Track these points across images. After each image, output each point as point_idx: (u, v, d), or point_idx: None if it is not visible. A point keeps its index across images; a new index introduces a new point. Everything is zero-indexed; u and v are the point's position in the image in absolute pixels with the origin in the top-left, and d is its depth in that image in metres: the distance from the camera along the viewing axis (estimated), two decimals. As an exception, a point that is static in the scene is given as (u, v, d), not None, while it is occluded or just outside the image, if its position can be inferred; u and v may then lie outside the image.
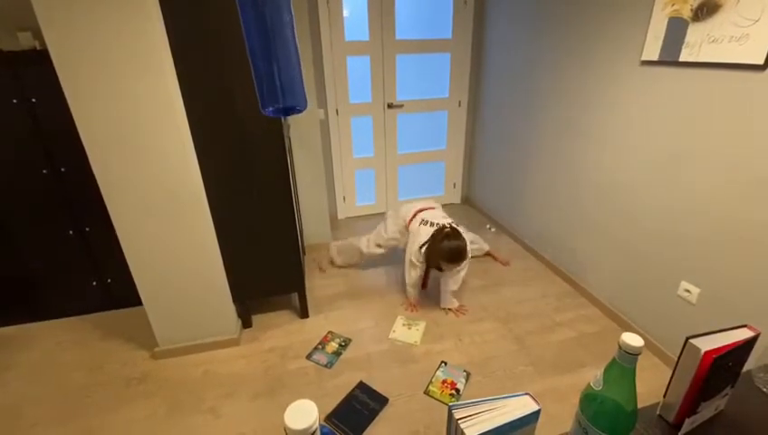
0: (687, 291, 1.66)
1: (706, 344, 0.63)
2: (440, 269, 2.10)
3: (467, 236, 2.19)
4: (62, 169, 1.91)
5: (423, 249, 2.04)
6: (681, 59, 1.53)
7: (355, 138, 3.17)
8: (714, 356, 0.61)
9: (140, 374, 1.83)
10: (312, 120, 2.53)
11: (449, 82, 3.22)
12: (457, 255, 1.96)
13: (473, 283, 2.47)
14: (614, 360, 0.57)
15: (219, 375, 1.82)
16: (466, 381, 1.74)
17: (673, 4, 1.52)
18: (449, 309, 2.22)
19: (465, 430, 0.54)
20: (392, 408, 1.63)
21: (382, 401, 1.64)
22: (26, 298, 2.13)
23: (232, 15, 1.47)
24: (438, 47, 3.09)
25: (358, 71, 2.97)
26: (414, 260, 2.10)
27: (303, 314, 2.17)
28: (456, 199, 3.71)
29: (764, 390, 0.75)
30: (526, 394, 0.59)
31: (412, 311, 2.22)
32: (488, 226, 3.19)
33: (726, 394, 0.70)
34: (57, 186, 1.93)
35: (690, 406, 0.65)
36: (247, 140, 1.70)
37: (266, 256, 1.96)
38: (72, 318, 2.20)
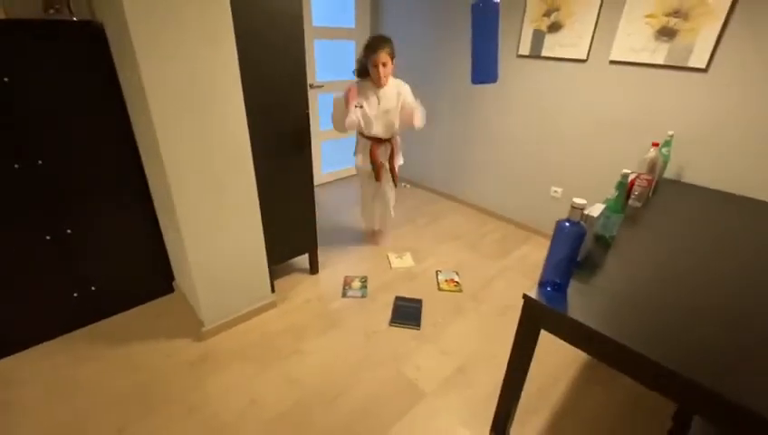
0: (556, 192, 2.86)
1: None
2: (377, 75, 2.23)
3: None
4: (39, 162, 1.62)
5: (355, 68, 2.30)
6: (542, 54, 2.60)
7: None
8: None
9: (199, 355, 1.84)
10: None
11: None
12: (379, 39, 2.14)
13: (420, 221, 3.24)
14: (612, 197, 1.41)
15: (278, 331, 2.02)
16: (458, 276, 2.51)
17: (535, 21, 2.56)
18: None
19: (589, 213, 1.27)
20: (427, 304, 2.25)
21: (418, 301, 2.25)
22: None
23: None
24: (345, 35, 3.57)
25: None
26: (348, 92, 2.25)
27: (314, 270, 2.47)
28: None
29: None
30: (591, 204, 1.37)
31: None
32: (404, 184, 3.98)
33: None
34: (32, 182, 1.62)
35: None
36: (277, 98, 1.88)
37: (290, 218, 2.18)
38: (56, 340, 1.85)
